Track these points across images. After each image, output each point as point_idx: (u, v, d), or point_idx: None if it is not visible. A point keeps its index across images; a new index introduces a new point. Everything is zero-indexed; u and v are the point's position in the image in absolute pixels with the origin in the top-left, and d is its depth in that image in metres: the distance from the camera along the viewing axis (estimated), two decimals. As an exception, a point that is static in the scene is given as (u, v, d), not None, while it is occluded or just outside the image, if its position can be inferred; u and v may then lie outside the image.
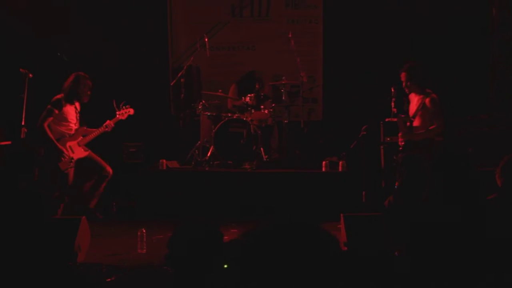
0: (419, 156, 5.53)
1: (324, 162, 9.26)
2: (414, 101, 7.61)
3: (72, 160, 8.01)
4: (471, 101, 9.79)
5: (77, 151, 8.11)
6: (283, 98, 9.91)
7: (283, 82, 9.90)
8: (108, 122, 8.31)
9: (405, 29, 10.48)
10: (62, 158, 7.80)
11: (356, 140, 8.75)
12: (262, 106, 9.79)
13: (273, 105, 9.98)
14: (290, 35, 10.17)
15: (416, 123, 7.51)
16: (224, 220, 7.39)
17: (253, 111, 9.66)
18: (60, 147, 7.92)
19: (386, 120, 8.83)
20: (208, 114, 9.90)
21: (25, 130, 7.86)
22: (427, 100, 7.36)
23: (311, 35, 11.25)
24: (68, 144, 8.02)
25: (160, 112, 10.96)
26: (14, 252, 3.26)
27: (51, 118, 7.96)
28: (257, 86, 10.23)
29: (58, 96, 8.04)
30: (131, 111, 8.55)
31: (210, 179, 9.25)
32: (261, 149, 9.54)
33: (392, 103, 8.88)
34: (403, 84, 7.62)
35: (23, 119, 7.84)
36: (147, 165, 9.87)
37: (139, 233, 7.00)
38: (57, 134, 8.07)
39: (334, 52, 10.90)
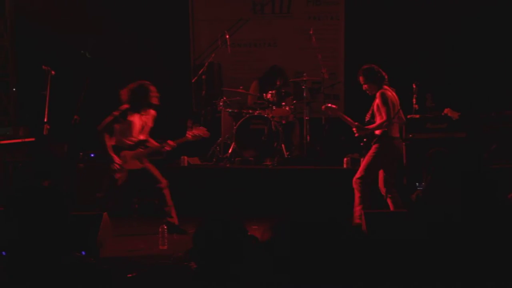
0: (447, 151, 5.48)
1: (345, 159, 9.24)
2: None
3: (123, 170, 7.67)
4: (496, 98, 9.69)
5: (131, 162, 7.72)
6: (304, 94, 9.89)
7: (304, 79, 9.88)
8: (170, 142, 7.89)
9: (429, 24, 10.40)
10: (111, 165, 7.59)
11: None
12: (283, 103, 9.77)
13: (294, 101, 9.97)
14: (311, 32, 10.15)
15: (377, 119, 7.54)
16: (245, 217, 7.39)
17: (274, 107, 9.65)
18: (112, 154, 7.60)
19: (408, 116, 8.79)
20: (229, 111, 9.91)
21: (48, 127, 7.89)
22: (377, 95, 7.39)
23: (332, 31, 11.22)
24: (123, 153, 7.70)
25: (182, 109, 10.98)
26: (33, 247, 3.29)
27: (114, 126, 7.66)
28: (278, 83, 10.23)
29: (126, 106, 7.68)
30: (207, 135, 8.00)
31: (231, 176, 9.26)
32: (282, 145, 9.54)
33: (414, 99, 8.85)
34: (364, 86, 7.63)
35: (45, 116, 7.88)
36: (168, 162, 9.90)
37: (160, 230, 7.03)
38: (117, 141, 7.73)
39: (356, 48, 10.85)
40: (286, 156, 9.56)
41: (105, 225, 6.78)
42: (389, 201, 7.48)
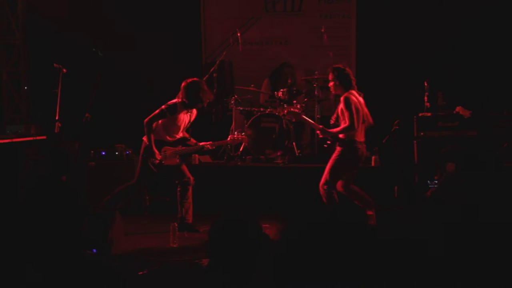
0: (461, 150, 5.46)
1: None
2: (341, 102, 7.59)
3: (162, 165, 7.70)
4: (507, 96, 9.64)
5: (170, 158, 7.73)
6: (316, 92, 9.88)
7: (316, 77, 9.86)
8: (210, 142, 7.96)
9: (440, 22, 10.37)
10: (152, 159, 7.61)
11: (388, 134, 8.69)
12: (294, 101, 9.76)
13: (306, 99, 9.96)
14: (323, 30, 10.14)
15: (341, 123, 7.48)
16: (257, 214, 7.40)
17: (285, 105, 9.65)
18: (155, 149, 7.62)
19: (420, 114, 8.77)
20: (241, 109, 9.91)
21: (59, 124, 7.92)
22: (342, 100, 7.32)
23: (344, 29, 11.20)
24: (164, 148, 7.71)
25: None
26: (50, 240, 3.33)
27: (161, 121, 7.68)
28: (289, 81, 10.23)
29: (175, 101, 7.71)
30: (246, 140, 8.22)
31: (242, 174, 9.27)
32: (293, 144, 9.53)
33: (426, 97, 8.83)
34: (331, 83, 7.55)
35: (57, 114, 7.91)
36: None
37: (171, 227, 7.05)
38: (159, 135, 7.75)
39: (367, 46, 10.83)
40: (297, 154, 9.55)
41: (117, 223, 6.81)
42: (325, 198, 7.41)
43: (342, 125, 7.31)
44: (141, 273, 5.88)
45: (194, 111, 7.89)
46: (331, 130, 7.50)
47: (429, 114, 8.77)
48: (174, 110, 7.64)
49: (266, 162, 9.52)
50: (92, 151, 9.25)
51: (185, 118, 7.80)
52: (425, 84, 8.82)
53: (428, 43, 10.32)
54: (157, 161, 7.62)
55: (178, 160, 7.81)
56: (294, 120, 7.62)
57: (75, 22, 10.47)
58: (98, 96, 8.29)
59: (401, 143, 8.76)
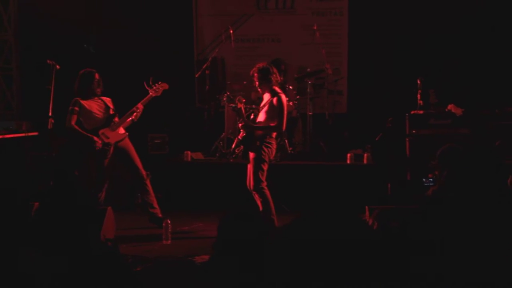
0: (461, 147, 5.44)
1: (348, 155, 9.23)
2: (266, 98, 7.58)
3: (109, 145, 7.73)
4: (499, 94, 9.68)
5: (112, 135, 7.77)
6: (308, 90, 9.89)
7: (310, 75, 9.88)
8: (138, 104, 7.89)
9: (432, 20, 10.39)
10: (96, 144, 7.63)
11: (381, 132, 8.72)
12: (286, 98, 9.75)
13: (298, 97, 9.97)
14: (315, 27, 10.16)
15: (261, 118, 7.50)
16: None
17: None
18: (89, 135, 7.68)
19: (412, 112, 8.80)
20: (233, 105, 9.90)
21: (52, 121, 7.89)
22: (274, 99, 7.32)
23: (336, 27, 11.21)
24: (100, 132, 7.75)
25: (185, 104, 11.00)
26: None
27: (74, 116, 7.72)
28: (281, 79, 10.21)
29: (76, 98, 7.81)
30: (166, 86, 8.04)
31: (235, 171, 9.26)
32: (286, 141, 9.53)
33: (418, 95, 8.86)
34: (256, 84, 7.57)
35: (50, 110, 7.88)
36: (172, 157, 9.92)
37: (164, 224, 7.05)
38: (87, 128, 7.81)
39: (359, 44, 10.85)
40: (289, 151, 9.56)
41: (109, 219, 6.80)
42: (256, 197, 7.40)
43: (270, 123, 7.33)
44: (134, 270, 5.86)
45: (105, 98, 7.94)
46: (256, 125, 7.52)
47: (421, 112, 8.80)
48: (77, 103, 7.73)
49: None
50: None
51: (94, 104, 7.84)
52: (418, 82, 8.85)
53: (421, 40, 10.34)
54: (99, 142, 7.66)
55: (123, 131, 7.85)
56: (232, 105, 7.62)
57: (68, 19, 10.43)
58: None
59: (393, 141, 8.79)
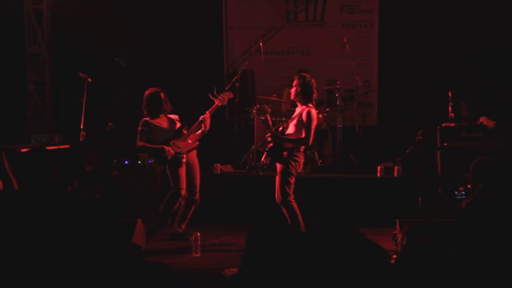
0: (495, 160, 5.38)
1: (379, 167, 9.17)
2: (297, 111, 7.52)
3: (181, 154, 7.73)
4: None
5: (183, 145, 7.77)
6: (338, 102, 9.86)
7: (338, 87, 9.85)
8: (206, 113, 7.87)
9: (464, 32, 10.32)
10: (166, 153, 7.68)
11: (412, 145, 8.65)
12: (316, 111, 9.74)
13: (328, 109, 9.94)
14: (345, 40, 10.13)
15: (290, 130, 7.44)
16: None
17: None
18: (160, 146, 7.69)
19: (443, 125, 8.72)
20: (262, 118, 9.89)
21: (84, 133, 7.97)
22: (304, 112, 7.26)
23: (366, 39, 11.19)
24: (171, 142, 7.75)
25: (215, 116, 10.99)
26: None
27: (144, 136, 7.76)
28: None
29: (145, 118, 7.85)
30: (231, 95, 8.12)
31: (264, 183, 9.24)
32: (315, 153, 9.50)
33: (450, 108, 8.79)
34: (293, 88, 7.50)
35: (81, 123, 7.96)
36: (201, 169, 9.92)
37: (193, 237, 7.06)
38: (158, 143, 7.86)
39: (389, 56, 10.80)
40: (319, 164, 9.53)
41: (139, 231, 6.83)
42: (284, 210, 7.37)
43: (299, 135, 7.31)
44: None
45: (172, 116, 7.98)
46: (284, 137, 7.50)
47: (452, 125, 8.72)
48: (147, 123, 7.77)
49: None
50: (115, 160, 9.30)
51: (163, 121, 7.88)
52: (449, 94, 8.78)
53: (452, 52, 10.26)
54: (171, 152, 7.66)
55: (191, 141, 7.87)
56: (262, 118, 7.59)
57: (99, 33, 10.54)
58: (121, 105, 8.33)
59: (424, 153, 8.71)
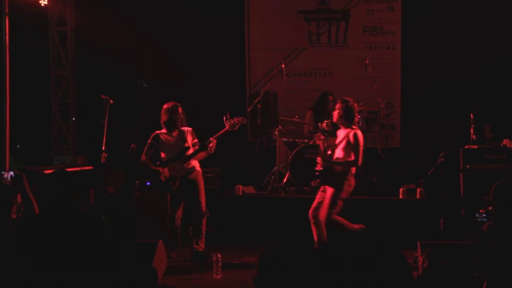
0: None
1: (401, 189, 9.11)
2: (341, 134, 7.55)
3: (175, 179, 7.90)
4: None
5: (180, 168, 7.92)
6: (360, 124, 9.83)
7: (360, 109, 9.82)
8: (211, 138, 7.94)
9: (486, 54, 10.27)
10: (161, 177, 7.83)
11: (434, 167, 8.60)
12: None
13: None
14: (367, 61, 10.12)
15: (338, 154, 7.45)
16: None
17: (329, 137, 9.60)
18: (156, 168, 7.89)
19: (466, 147, 8.66)
20: (285, 140, 9.91)
21: (106, 155, 8.03)
22: (351, 134, 7.33)
23: (389, 61, 11.18)
24: (170, 164, 7.93)
25: (237, 137, 11.04)
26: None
27: (150, 150, 7.95)
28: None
29: (157, 132, 8.03)
30: (244, 120, 8.10)
31: (286, 205, 9.23)
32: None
33: (472, 130, 8.73)
34: (336, 111, 7.52)
35: (103, 144, 8.02)
36: (223, 191, 9.95)
37: (214, 258, 7.04)
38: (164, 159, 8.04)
39: (412, 78, 10.78)
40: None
41: (160, 252, 6.84)
42: (313, 227, 7.46)
43: (347, 159, 7.36)
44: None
45: (186, 128, 8.09)
46: (334, 160, 7.54)
47: (475, 147, 8.66)
48: (156, 137, 7.95)
49: (310, 193, 9.46)
50: (137, 182, 9.34)
51: (171, 138, 7.99)
52: (471, 116, 8.73)
53: (475, 74, 10.22)
54: (164, 177, 7.82)
55: (193, 165, 7.99)
56: (318, 143, 7.70)
57: (122, 55, 10.65)
58: (144, 126, 8.39)
59: (447, 175, 8.65)
